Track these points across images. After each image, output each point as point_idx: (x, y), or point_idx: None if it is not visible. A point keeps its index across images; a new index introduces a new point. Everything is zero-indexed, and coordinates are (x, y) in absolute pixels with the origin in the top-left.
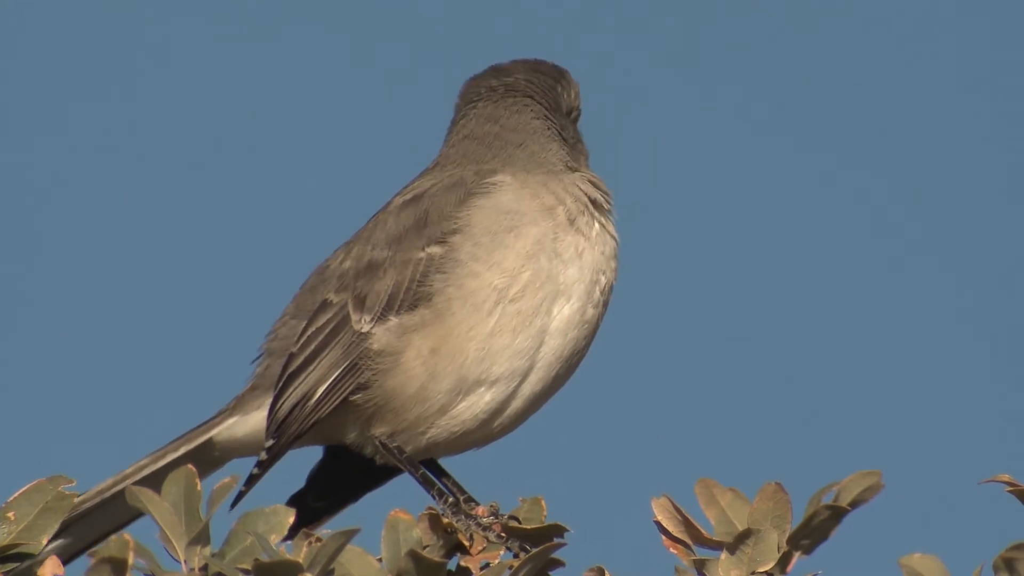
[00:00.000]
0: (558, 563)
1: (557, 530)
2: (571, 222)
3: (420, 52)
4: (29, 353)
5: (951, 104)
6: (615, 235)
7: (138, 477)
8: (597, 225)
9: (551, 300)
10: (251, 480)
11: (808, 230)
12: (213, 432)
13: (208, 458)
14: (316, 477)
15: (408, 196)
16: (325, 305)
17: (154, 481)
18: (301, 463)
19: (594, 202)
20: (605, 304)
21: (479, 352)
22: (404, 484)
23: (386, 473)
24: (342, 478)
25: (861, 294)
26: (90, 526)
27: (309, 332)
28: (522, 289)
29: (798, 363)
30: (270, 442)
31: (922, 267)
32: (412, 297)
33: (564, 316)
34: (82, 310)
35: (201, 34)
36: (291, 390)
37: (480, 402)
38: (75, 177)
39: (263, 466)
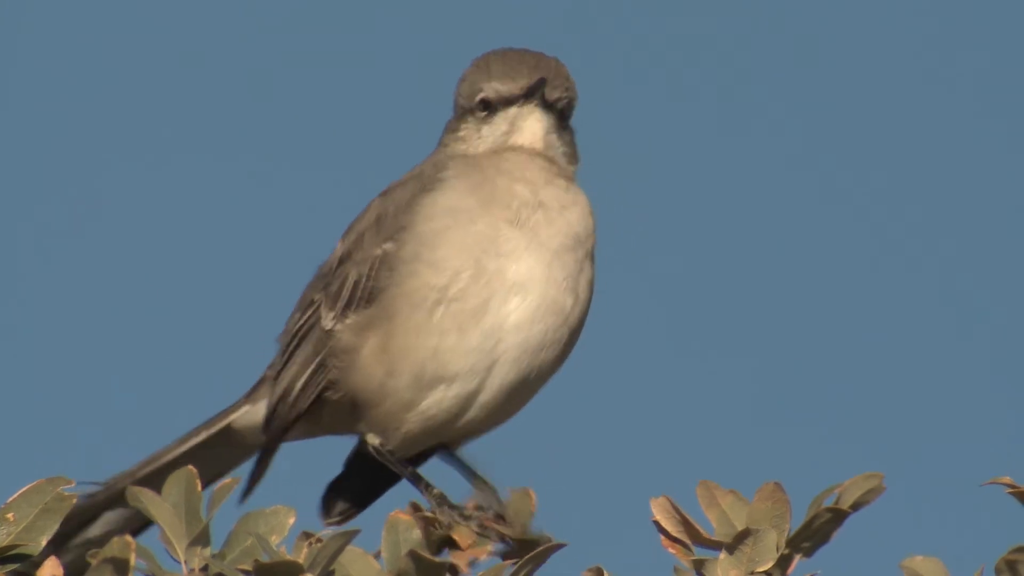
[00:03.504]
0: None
1: (544, 541)
2: (516, 216)
3: (436, 53)
4: (32, 353)
5: (945, 103)
6: (580, 219)
7: (170, 457)
8: (543, 215)
9: (502, 297)
10: (254, 475)
11: (809, 230)
12: (231, 418)
13: (239, 442)
14: (353, 461)
15: (384, 189)
16: (310, 302)
17: (186, 463)
18: (338, 450)
19: (535, 193)
20: (585, 290)
21: (427, 350)
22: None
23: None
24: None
25: (862, 295)
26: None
27: (293, 329)
28: (463, 289)
29: (800, 364)
30: (264, 436)
31: (924, 268)
32: (367, 294)
33: (521, 312)
34: (86, 310)
35: (211, 35)
36: (276, 386)
37: (445, 397)
38: (95, 171)
39: (259, 461)
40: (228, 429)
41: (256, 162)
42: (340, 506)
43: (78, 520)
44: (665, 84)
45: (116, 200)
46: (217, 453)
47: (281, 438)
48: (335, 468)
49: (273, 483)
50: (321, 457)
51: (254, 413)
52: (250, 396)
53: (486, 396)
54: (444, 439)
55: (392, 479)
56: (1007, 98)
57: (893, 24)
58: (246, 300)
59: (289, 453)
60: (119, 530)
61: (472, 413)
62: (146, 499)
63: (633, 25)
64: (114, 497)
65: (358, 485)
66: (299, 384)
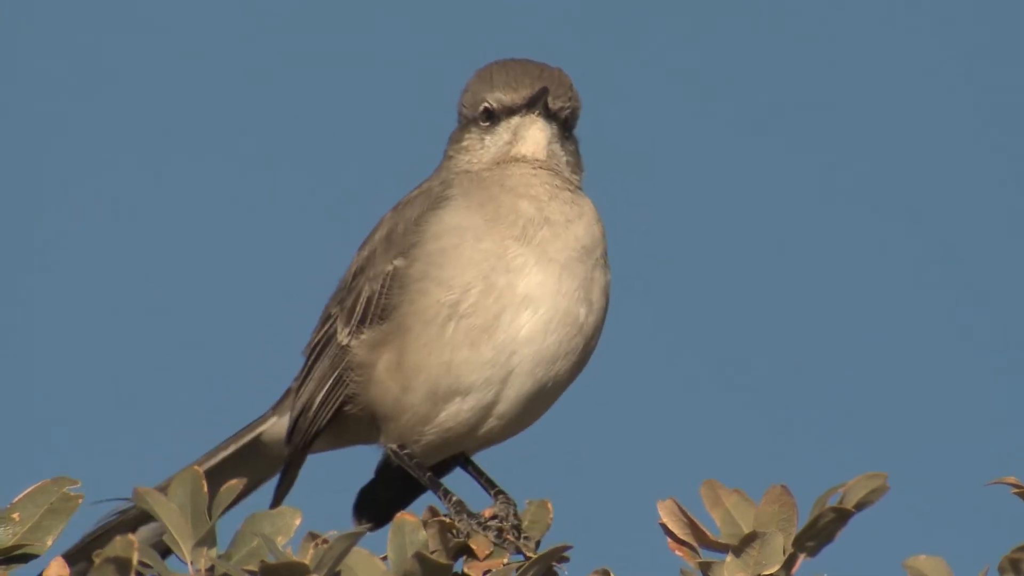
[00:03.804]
0: (563, 558)
1: (559, 551)
2: (523, 233)
3: (436, 53)
4: (36, 355)
5: (947, 104)
6: (586, 230)
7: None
8: (548, 230)
9: (513, 312)
10: (280, 489)
11: (812, 231)
12: (260, 430)
13: (268, 454)
14: (384, 468)
15: (396, 204)
16: (327, 316)
17: (217, 474)
18: (368, 457)
19: (540, 210)
20: (600, 298)
21: (441, 366)
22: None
23: (453, 463)
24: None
25: (866, 295)
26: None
27: (312, 343)
28: (473, 305)
29: (803, 364)
30: (287, 450)
31: (925, 268)
32: (380, 311)
33: (533, 325)
34: (93, 313)
35: (211, 35)
36: (296, 401)
37: (462, 410)
38: (96, 172)
39: (284, 474)
40: (257, 441)
41: (258, 162)
42: (371, 513)
43: (111, 537)
44: (667, 83)
45: (117, 200)
46: (247, 465)
47: (304, 452)
48: (365, 475)
49: (297, 487)
50: (349, 463)
51: (281, 425)
52: (277, 408)
53: (503, 407)
54: (464, 449)
55: (423, 486)
56: (1010, 98)
57: (893, 24)
58: (252, 304)
59: (317, 463)
60: (153, 546)
61: (490, 424)
62: (152, 499)
63: (635, 24)
64: (146, 513)
65: (390, 493)
66: (318, 399)
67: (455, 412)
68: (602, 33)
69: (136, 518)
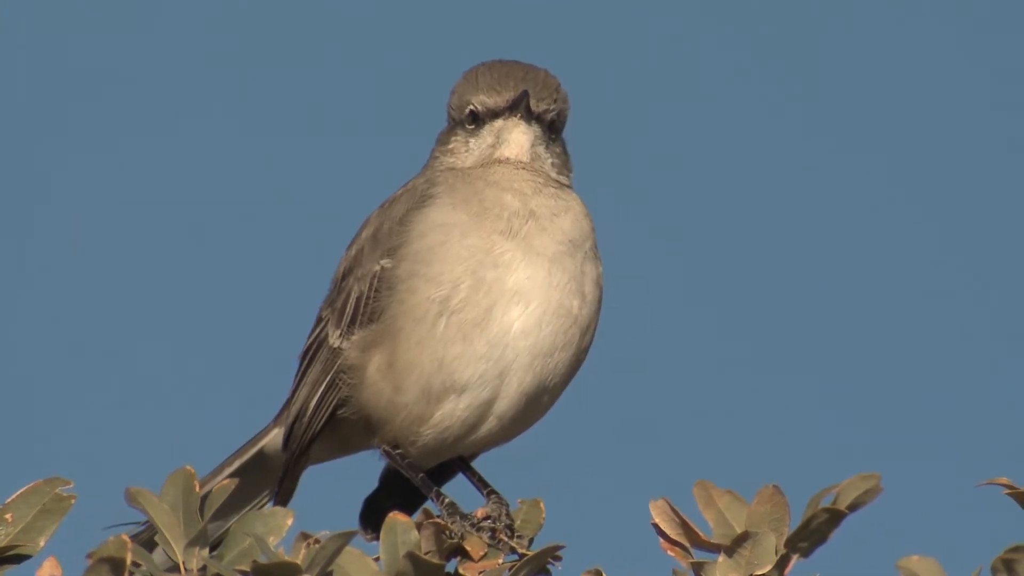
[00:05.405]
0: (556, 557)
1: (553, 550)
2: (508, 227)
3: (436, 53)
4: (35, 358)
5: (954, 101)
6: (573, 223)
7: (208, 488)
8: (534, 224)
9: (504, 306)
10: (278, 499)
11: (805, 229)
12: (263, 443)
13: (273, 466)
14: (388, 476)
15: (382, 202)
16: (319, 319)
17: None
18: (372, 466)
19: (525, 203)
20: (593, 290)
21: (433, 363)
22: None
23: (454, 467)
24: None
25: (860, 295)
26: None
27: (305, 347)
28: (463, 300)
29: (797, 364)
30: (284, 457)
31: (921, 267)
32: (369, 312)
33: (526, 318)
34: (93, 314)
35: (210, 34)
36: (291, 407)
37: (458, 408)
38: (118, 182)
39: (281, 482)
40: (261, 454)
41: (262, 161)
42: (378, 522)
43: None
44: (666, 80)
45: (117, 201)
46: (254, 479)
47: (301, 460)
48: (369, 484)
49: (300, 497)
50: (353, 473)
51: (280, 437)
52: (278, 419)
53: (504, 405)
54: (464, 452)
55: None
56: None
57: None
58: (258, 308)
59: (318, 473)
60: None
61: (490, 423)
62: (144, 500)
63: (636, 20)
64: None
65: (395, 501)
66: (312, 404)
67: (451, 411)
68: (602, 27)
69: (148, 541)
